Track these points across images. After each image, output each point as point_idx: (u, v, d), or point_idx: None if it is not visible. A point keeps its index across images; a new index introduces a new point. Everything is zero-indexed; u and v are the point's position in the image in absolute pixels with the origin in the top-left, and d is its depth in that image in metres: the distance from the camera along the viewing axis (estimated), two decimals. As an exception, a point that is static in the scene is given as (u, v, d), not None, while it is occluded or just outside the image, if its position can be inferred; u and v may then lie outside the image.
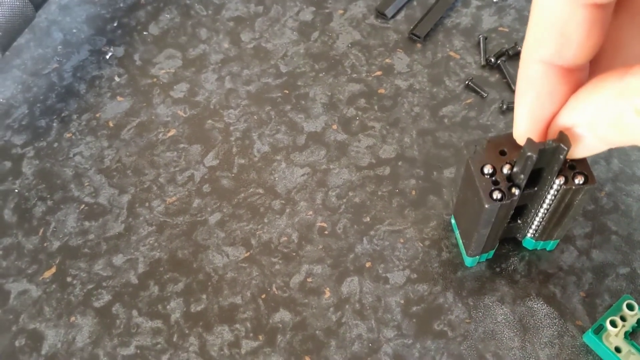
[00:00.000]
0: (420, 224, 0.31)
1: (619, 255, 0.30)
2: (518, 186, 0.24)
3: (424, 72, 0.36)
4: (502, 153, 0.25)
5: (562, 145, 0.22)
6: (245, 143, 0.34)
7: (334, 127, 0.34)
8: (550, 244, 0.29)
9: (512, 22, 0.37)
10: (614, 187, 0.31)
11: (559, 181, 0.24)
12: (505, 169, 0.25)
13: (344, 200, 0.32)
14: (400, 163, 0.33)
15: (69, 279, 0.31)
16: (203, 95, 0.36)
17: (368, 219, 0.31)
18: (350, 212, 0.32)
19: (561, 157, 0.23)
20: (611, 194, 0.31)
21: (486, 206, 0.24)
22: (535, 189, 0.26)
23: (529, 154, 0.22)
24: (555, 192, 0.25)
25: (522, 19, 0.37)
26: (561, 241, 0.30)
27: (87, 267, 0.31)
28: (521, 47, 0.35)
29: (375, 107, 0.35)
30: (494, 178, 0.25)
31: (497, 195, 0.24)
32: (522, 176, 0.24)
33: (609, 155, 0.32)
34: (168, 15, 0.39)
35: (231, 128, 0.35)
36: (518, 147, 0.24)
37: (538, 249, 0.30)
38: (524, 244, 0.30)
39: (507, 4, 0.38)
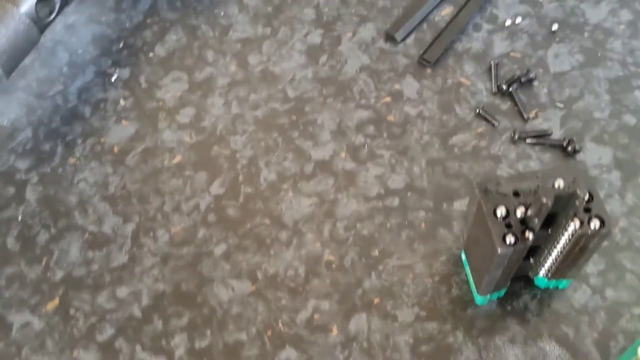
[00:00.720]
0: (430, 259, 0.30)
1: (634, 294, 0.29)
2: (532, 230, 0.24)
3: (433, 98, 0.35)
4: (516, 194, 0.24)
5: (578, 192, 0.21)
6: (251, 171, 0.33)
7: (343, 155, 0.34)
8: (563, 283, 0.28)
9: (525, 47, 0.36)
10: (629, 222, 0.31)
11: (573, 225, 0.24)
12: (519, 212, 0.24)
13: (352, 232, 0.31)
14: (409, 194, 0.32)
15: (72, 312, 0.30)
16: (209, 120, 0.35)
17: (377, 252, 0.31)
18: (358, 244, 0.31)
19: (577, 202, 0.22)
20: (625, 230, 0.30)
21: (499, 251, 0.23)
22: (550, 231, 0.25)
23: (545, 200, 0.22)
24: (570, 236, 0.24)
25: (535, 44, 0.36)
26: (574, 279, 0.29)
27: (91, 299, 0.31)
28: (533, 74, 0.35)
29: (384, 134, 0.34)
30: (507, 221, 0.24)
31: (510, 239, 0.24)
32: (536, 220, 0.23)
33: (622, 189, 0.31)
34: (174, 36, 0.39)
35: (237, 155, 0.34)
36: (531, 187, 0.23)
37: (550, 287, 0.29)
38: (536, 283, 0.29)
39: (519, 28, 0.37)
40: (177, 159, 0.34)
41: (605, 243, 0.30)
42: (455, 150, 0.33)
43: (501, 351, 0.28)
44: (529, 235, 0.24)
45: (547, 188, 0.22)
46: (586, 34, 0.37)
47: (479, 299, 0.29)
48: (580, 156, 0.32)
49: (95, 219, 0.33)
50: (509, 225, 0.24)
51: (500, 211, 0.24)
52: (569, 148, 0.32)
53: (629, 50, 0.36)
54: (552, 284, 0.29)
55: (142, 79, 0.37)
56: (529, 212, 0.23)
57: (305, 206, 0.32)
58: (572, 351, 0.28)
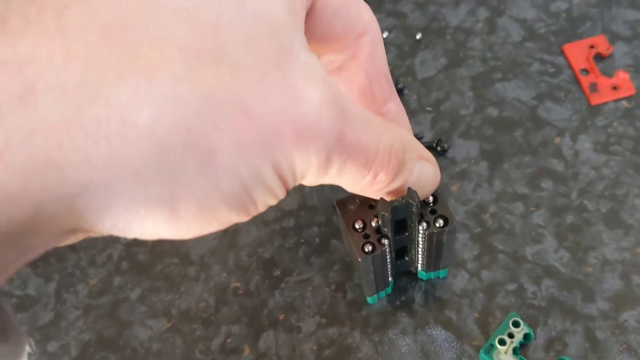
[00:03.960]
0: (325, 269, 0.33)
1: (506, 272, 0.32)
2: (386, 237, 0.27)
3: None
4: (371, 207, 0.28)
5: (410, 201, 0.24)
6: (157, 215, 0.36)
7: (240, 186, 0.36)
8: (442, 273, 0.32)
9: (394, 59, 0.39)
10: (498, 207, 0.34)
11: (421, 227, 0.27)
12: (374, 223, 0.27)
13: (254, 257, 0.34)
14: (302, 213, 0.35)
15: (8, 373, 0.33)
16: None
17: (278, 272, 0.34)
18: (261, 268, 0.34)
19: (413, 209, 0.25)
20: (495, 214, 0.34)
21: (359, 260, 0.26)
22: (406, 234, 0.28)
23: (383, 213, 0.25)
24: (423, 236, 0.27)
25: (403, 54, 0.40)
26: (452, 266, 0.32)
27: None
28: (401, 84, 0.38)
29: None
30: (364, 232, 0.27)
31: (368, 248, 0.27)
32: (385, 229, 0.26)
33: (490, 177, 0.35)
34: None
35: (143, 202, 0.37)
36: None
37: (432, 278, 0.32)
38: (419, 276, 0.32)
39: (387, 42, 0.40)
40: (88, 215, 0.37)
41: (478, 229, 0.33)
42: (341, 165, 0.36)
43: (394, 343, 0.31)
44: (385, 241, 0.27)
45: (385, 201, 0.25)
46: (448, 37, 0.40)
47: (369, 299, 0.32)
48: (450, 153, 0.36)
49: (19, 283, 0.35)
50: (366, 236, 0.27)
51: (358, 224, 0.27)
52: (439, 148, 0.35)
53: (487, 46, 0.39)
54: (433, 275, 0.32)
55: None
56: (380, 223, 0.26)
57: (209, 240, 0.35)
58: (457, 333, 0.31)
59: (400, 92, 0.38)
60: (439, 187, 0.27)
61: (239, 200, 0.17)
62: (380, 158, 0.20)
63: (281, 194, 0.19)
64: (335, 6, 0.22)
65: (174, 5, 0.15)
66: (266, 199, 0.19)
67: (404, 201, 0.25)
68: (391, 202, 0.25)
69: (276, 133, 0.17)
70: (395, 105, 0.25)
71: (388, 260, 0.28)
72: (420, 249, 0.29)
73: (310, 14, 0.21)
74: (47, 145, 0.14)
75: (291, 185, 0.19)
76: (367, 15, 0.23)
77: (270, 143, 0.17)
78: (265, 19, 0.17)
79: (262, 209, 0.19)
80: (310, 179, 0.19)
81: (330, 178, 0.20)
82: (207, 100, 0.15)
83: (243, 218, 0.19)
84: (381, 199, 0.25)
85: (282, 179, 0.18)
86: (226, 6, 0.16)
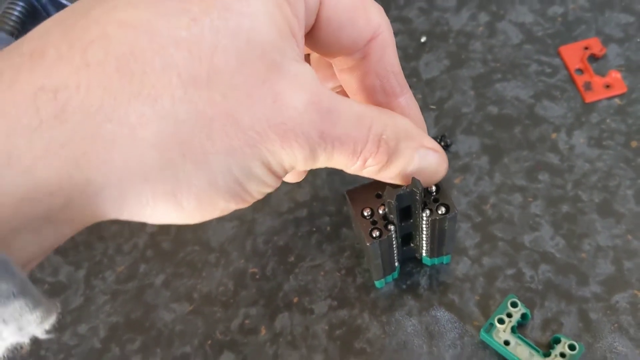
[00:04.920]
0: (336, 256, 0.36)
1: (505, 258, 0.34)
2: (392, 223, 0.29)
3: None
4: (378, 196, 0.30)
5: (415, 189, 0.27)
6: (179, 207, 0.39)
7: (256, 179, 0.39)
8: (445, 259, 0.34)
9: (400, 62, 0.42)
10: (498, 198, 0.36)
11: (425, 214, 0.29)
12: (381, 210, 0.29)
13: (270, 244, 0.37)
14: (315, 203, 0.38)
15: (42, 352, 0.35)
16: (139, 168, 0.41)
17: (292, 258, 0.36)
18: (276, 254, 0.36)
19: (417, 197, 0.28)
20: (495, 205, 0.36)
21: (367, 244, 0.29)
22: (411, 221, 0.30)
23: (388, 200, 0.27)
24: (426, 223, 0.30)
25: (408, 57, 0.42)
26: (455, 253, 0.35)
27: (57, 339, 0.36)
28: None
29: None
30: (372, 219, 0.29)
31: (375, 233, 0.29)
32: (391, 216, 0.29)
33: (491, 171, 0.37)
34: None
35: (166, 195, 0.39)
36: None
37: (436, 263, 0.34)
38: (424, 262, 0.34)
39: (396, 43, 0.43)
40: (114, 207, 0.39)
41: (479, 219, 0.36)
42: (350, 159, 0.39)
43: (401, 324, 0.33)
44: (391, 227, 0.29)
45: (390, 190, 0.27)
46: (450, 40, 0.42)
47: (377, 283, 0.34)
48: (453, 148, 0.38)
49: (51, 270, 0.38)
50: (374, 222, 0.29)
51: (366, 212, 0.29)
52: (442, 143, 0.38)
53: (488, 48, 0.42)
54: (437, 261, 0.34)
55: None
56: (386, 210, 0.29)
57: (228, 229, 0.38)
58: (459, 314, 0.33)
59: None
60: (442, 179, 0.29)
61: (235, 192, 0.21)
62: (369, 146, 0.23)
63: (274, 183, 0.23)
64: (341, 20, 0.24)
65: (177, 36, 0.19)
66: (260, 189, 0.22)
67: (408, 190, 0.27)
68: (396, 190, 0.27)
69: (262, 137, 0.20)
70: (405, 100, 0.27)
71: (394, 246, 0.31)
72: (424, 235, 0.31)
73: (314, 30, 0.24)
74: (75, 154, 0.18)
75: (282, 175, 0.23)
76: (376, 18, 0.25)
77: (258, 145, 0.20)
78: (256, 43, 0.20)
79: (258, 196, 0.23)
80: (301, 168, 0.23)
81: (322, 164, 0.23)
82: (200, 118, 0.19)
83: (242, 205, 0.22)
84: (387, 187, 0.27)
85: (272, 172, 0.22)
86: (223, 35, 0.19)
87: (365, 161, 0.24)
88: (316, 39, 0.24)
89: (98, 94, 0.18)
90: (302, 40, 0.22)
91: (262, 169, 0.21)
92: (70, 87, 0.18)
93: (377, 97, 0.27)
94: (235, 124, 0.20)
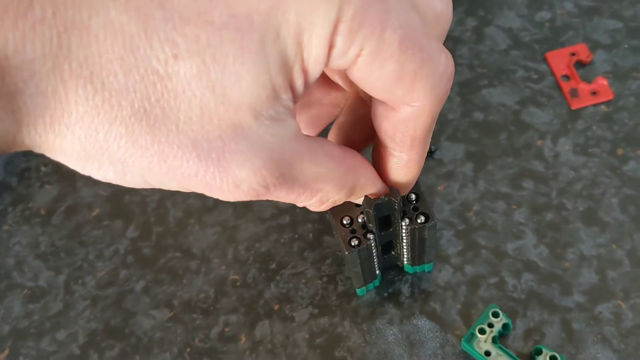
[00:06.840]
0: (318, 263, 0.35)
1: (488, 267, 0.34)
2: (371, 232, 0.29)
3: (313, 122, 0.40)
4: (358, 205, 0.30)
5: (392, 199, 0.27)
6: (160, 212, 0.38)
7: (239, 185, 0.39)
8: (427, 267, 0.34)
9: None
10: (481, 205, 0.36)
11: (404, 223, 0.29)
12: (360, 219, 0.29)
13: (252, 251, 0.36)
14: (297, 210, 0.37)
15: (20, 359, 0.35)
16: (122, 172, 0.40)
17: (274, 265, 0.36)
18: (258, 261, 0.36)
19: (395, 207, 0.27)
20: (479, 212, 0.36)
21: (346, 253, 0.28)
22: (391, 229, 0.30)
23: (367, 209, 0.27)
24: (406, 231, 0.29)
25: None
26: (438, 261, 0.34)
27: (35, 345, 0.35)
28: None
29: (274, 161, 0.39)
30: (351, 227, 0.29)
31: (354, 242, 0.29)
32: (370, 225, 0.28)
33: (475, 178, 0.37)
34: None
35: (147, 199, 0.39)
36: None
37: (418, 271, 0.34)
38: (405, 269, 0.34)
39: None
40: (95, 211, 0.39)
41: (462, 226, 0.35)
42: (334, 165, 0.39)
43: (382, 332, 0.33)
44: (370, 236, 0.29)
45: (369, 199, 0.27)
46: (437, 45, 0.42)
47: (358, 291, 0.34)
48: (437, 155, 0.38)
49: (31, 275, 0.37)
50: (353, 231, 0.29)
51: (346, 220, 0.29)
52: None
53: (475, 54, 0.41)
54: (418, 269, 0.34)
55: (60, 144, 0.42)
56: (365, 219, 0.28)
57: (210, 235, 0.37)
58: (440, 323, 0.33)
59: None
60: (422, 186, 0.29)
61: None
62: (306, 195, 0.23)
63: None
64: (373, 87, 0.21)
65: (150, 67, 0.17)
66: None
67: (386, 199, 0.27)
68: (375, 199, 0.27)
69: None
70: (407, 157, 0.25)
71: (374, 254, 0.30)
72: (404, 244, 0.31)
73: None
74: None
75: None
76: (418, 97, 0.22)
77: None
78: (229, 102, 0.18)
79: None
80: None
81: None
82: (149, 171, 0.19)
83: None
84: (366, 197, 0.27)
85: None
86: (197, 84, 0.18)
87: (301, 203, 0.24)
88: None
89: None
90: (286, 103, 0.20)
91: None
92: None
93: (383, 138, 0.25)
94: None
